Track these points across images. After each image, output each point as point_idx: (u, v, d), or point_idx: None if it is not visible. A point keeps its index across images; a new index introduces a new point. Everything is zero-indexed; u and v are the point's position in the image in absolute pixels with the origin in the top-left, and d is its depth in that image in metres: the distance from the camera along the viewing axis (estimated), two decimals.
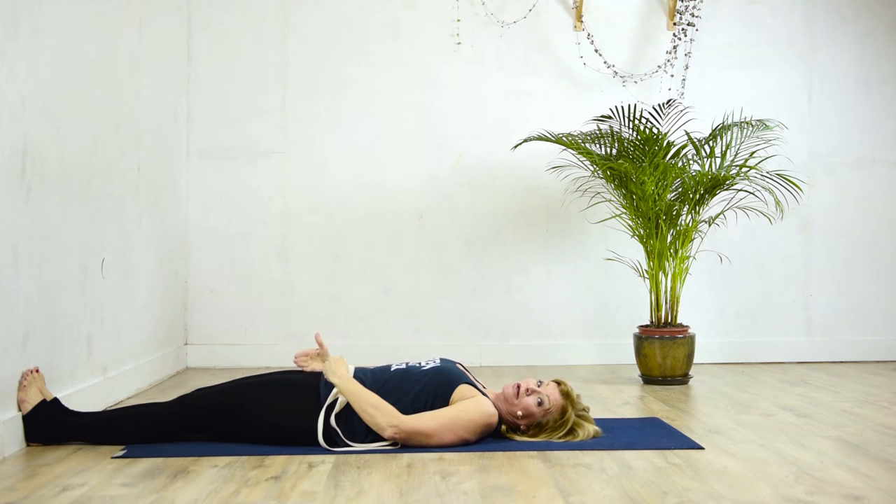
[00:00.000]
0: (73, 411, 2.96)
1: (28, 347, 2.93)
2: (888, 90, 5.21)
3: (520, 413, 2.91)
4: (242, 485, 2.43)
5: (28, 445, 2.87)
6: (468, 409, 2.85)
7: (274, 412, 2.87)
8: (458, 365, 3.05)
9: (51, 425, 2.87)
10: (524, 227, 5.14)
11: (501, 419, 2.95)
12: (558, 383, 2.97)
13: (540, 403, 2.91)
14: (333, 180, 5.11)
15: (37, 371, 2.92)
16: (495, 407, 2.93)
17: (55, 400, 2.93)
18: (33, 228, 2.97)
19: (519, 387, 2.93)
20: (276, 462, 2.68)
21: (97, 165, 3.57)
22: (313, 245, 5.10)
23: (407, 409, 2.86)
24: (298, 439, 2.86)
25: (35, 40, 2.99)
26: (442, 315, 5.10)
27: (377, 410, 2.81)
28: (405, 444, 2.83)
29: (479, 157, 5.13)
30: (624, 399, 3.91)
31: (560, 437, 2.91)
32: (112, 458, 2.73)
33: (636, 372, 4.58)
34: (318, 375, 2.97)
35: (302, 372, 3.05)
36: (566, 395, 2.95)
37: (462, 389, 2.89)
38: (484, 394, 2.95)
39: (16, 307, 2.84)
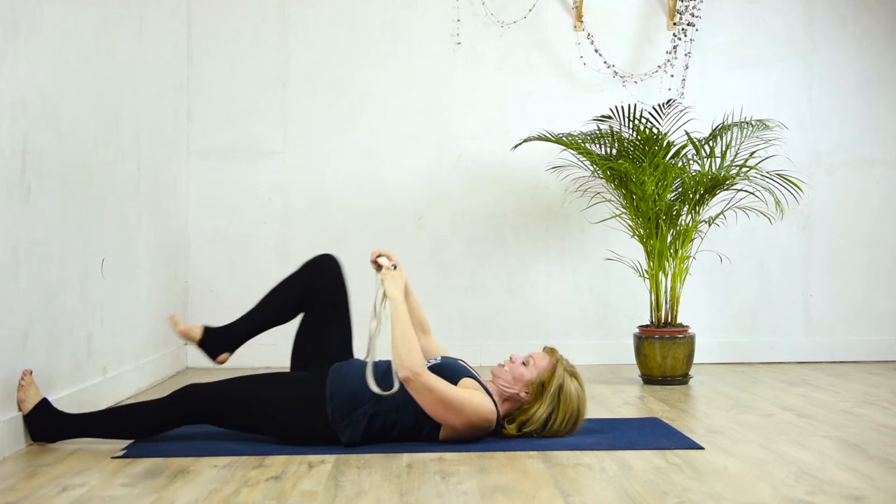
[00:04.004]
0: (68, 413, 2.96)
1: (28, 347, 2.93)
2: (888, 90, 5.21)
3: (510, 379, 2.94)
4: (242, 485, 2.43)
5: (32, 444, 2.87)
6: (477, 397, 2.87)
7: (279, 406, 2.88)
8: (459, 361, 3.06)
9: (53, 423, 2.88)
10: (524, 227, 5.14)
11: (500, 415, 2.95)
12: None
13: (525, 363, 2.96)
14: (333, 180, 5.11)
15: (30, 373, 2.91)
16: (494, 402, 2.93)
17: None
18: (33, 228, 2.97)
19: (504, 363, 3.00)
20: (276, 462, 2.68)
21: (97, 165, 3.57)
22: (313, 245, 5.09)
23: (410, 401, 2.86)
24: (302, 435, 2.87)
25: (35, 40, 2.99)
26: (442, 315, 5.09)
27: (410, 348, 2.81)
28: (407, 389, 2.82)
29: (479, 157, 5.13)
30: (624, 399, 3.91)
31: (556, 392, 2.90)
32: (112, 458, 2.73)
33: (636, 372, 4.58)
34: (325, 375, 2.95)
35: (307, 370, 3.05)
36: (550, 351, 3.01)
37: (466, 382, 2.90)
38: (486, 388, 2.95)
39: (16, 307, 2.84)
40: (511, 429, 2.96)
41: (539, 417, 2.92)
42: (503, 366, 2.99)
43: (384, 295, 2.94)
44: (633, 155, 4.42)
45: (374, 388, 2.83)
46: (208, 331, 3.19)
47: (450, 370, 2.94)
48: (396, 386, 2.83)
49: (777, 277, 5.18)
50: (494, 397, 2.94)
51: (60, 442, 2.91)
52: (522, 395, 2.95)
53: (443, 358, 3.05)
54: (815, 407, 3.63)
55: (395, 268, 3.03)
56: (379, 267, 3.07)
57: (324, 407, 2.86)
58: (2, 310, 2.75)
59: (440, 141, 5.14)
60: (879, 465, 2.64)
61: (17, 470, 2.59)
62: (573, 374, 2.97)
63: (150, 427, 2.92)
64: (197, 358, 5.01)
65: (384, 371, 2.92)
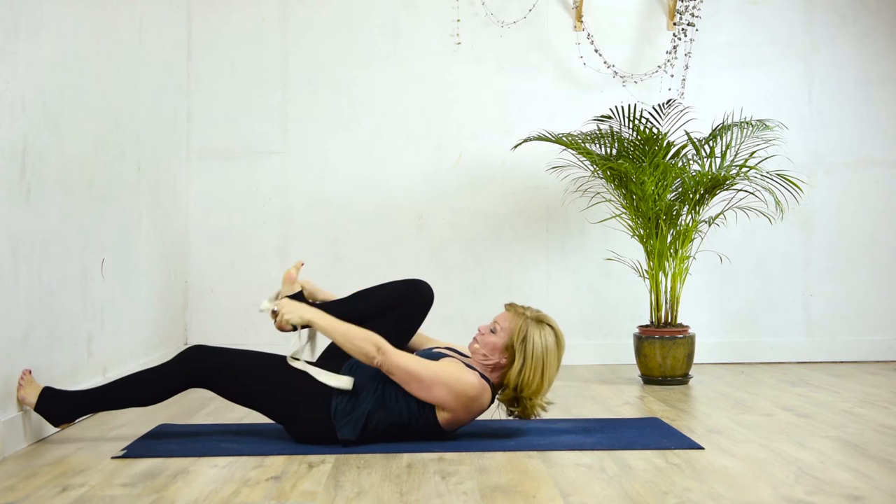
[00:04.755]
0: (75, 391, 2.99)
1: (28, 347, 2.93)
2: (888, 90, 5.21)
3: (485, 352, 2.94)
4: (242, 485, 2.43)
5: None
6: (453, 366, 2.87)
7: (284, 391, 2.89)
8: (446, 353, 3.05)
9: (65, 403, 2.91)
10: (524, 227, 5.14)
11: (493, 385, 2.95)
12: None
13: (493, 330, 2.95)
14: (333, 180, 5.11)
15: (29, 372, 2.93)
16: (482, 376, 2.92)
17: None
18: (33, 228, 2.97)
19: (476, 337, 2.99)
20: (276, 462, 2.68)
21: (97, 165, 3.57)
22: (313, 245, 5.10)
23: (404, 401, 2.87)
24: (300, 424, 2.88)
25: (35, 40, 2.99)
26: (442, 315, 5.08)
27: (356, 342, 2.83)
28: (385, 374, 2.85)
29: (479, 157, 5.13)
30: (624, 399, 3.91)
31: (521, 346, 2.88)
32: (112, 458, 2.73)
33: (636, 372, 4.58)
34: (338, 369, 2.94)
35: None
36: (510, 307, 2.99)
37: (445, 360, 2.91)
38: (471, 367, 2.95)
39: (16, 307, 2.84)
40: (505, 395, 2.95)
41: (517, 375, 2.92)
42: (476, 340, 2.98)
43: (300, 328, 2.92)
44: (633, 155, 4.42)
45: (331, 382, 2.87)
46: (298, 295, 3.13)
47: (430, 357, 2.95)
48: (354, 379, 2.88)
49: (777, 277, 5.18)
50: (483, 373, 2.94)
51: (78, 420, 3.02)
52: (502, 361, 2.94)
53: (424, 350, 3.06)
54: (815, 407, 3.63)
55: (274, 311, 2.92)
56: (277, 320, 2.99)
57: (331, 399, 2.86)
58: (2, 310, 2.75)
59: (440, 141, 5.14)
60: (879, 465, 2.64)
61: (17, 470, 2.59)
62: (538, 321, 2.94)
63: (157, 391, 2.93)
64: None
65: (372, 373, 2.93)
